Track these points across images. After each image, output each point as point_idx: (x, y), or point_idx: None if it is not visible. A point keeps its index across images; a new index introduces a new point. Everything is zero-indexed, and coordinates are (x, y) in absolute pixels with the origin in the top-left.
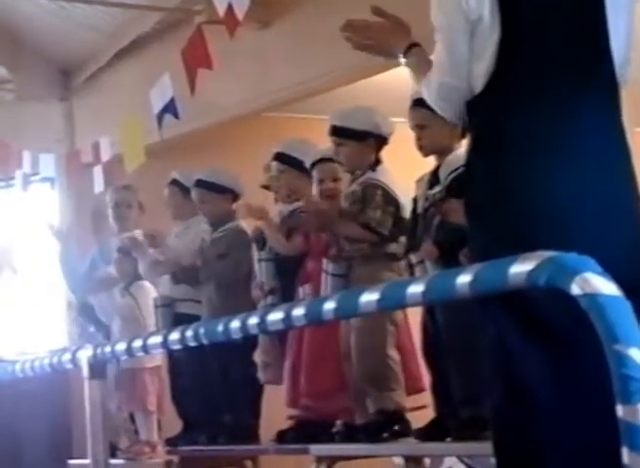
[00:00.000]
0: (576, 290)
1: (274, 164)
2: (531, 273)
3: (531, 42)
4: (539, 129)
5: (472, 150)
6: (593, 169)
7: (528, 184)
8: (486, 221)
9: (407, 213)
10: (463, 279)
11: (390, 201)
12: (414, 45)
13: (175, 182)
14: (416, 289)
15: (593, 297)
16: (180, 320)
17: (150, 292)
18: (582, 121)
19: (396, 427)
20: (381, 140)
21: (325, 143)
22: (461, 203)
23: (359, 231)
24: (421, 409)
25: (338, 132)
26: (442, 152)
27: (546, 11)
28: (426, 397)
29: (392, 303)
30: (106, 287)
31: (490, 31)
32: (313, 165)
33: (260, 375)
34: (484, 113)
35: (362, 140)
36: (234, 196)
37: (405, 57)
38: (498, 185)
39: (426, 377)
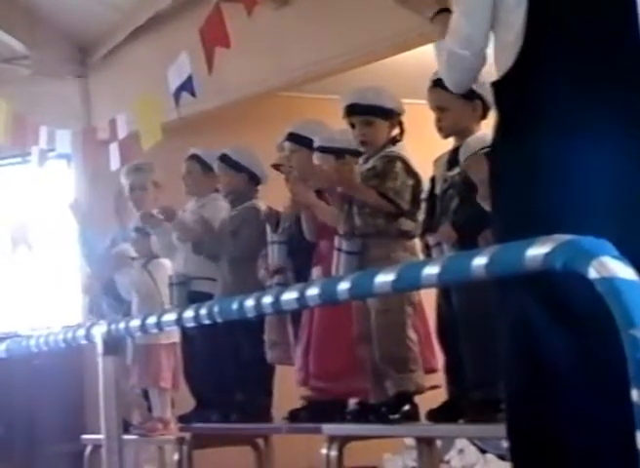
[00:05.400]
0: (593, 273)
1: (286, 144)
2: (547, 256)
3: (559, 16)
4: (568, 107)
5: (498, 129)
6: (623, 152)
7: (554, 165)
8: (510, 200)
9: (425, 190)
10: (479, 261)
11: (410, 174)
12: (445, 10)
13: (195, 158)
14: (431, 270)
15: (610, 281)
16: (194, 298)
17: (168, 269)
18: (613, 101)
19: (406, 407)
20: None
21: (340, 124)
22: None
23: (377, 199)
24: (434, 390)
25: (366, 110)
26: (462, 134)
27: None
28: (438, 378)
29: (407, 284)
30: (122, 264)
31: (516, 4)
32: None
33: (268, 355)
34: (511, 91)
35: (389, 118)
36: (250, 176)
37: (433, 20)
38: (523, 165)
39: (439, 359)
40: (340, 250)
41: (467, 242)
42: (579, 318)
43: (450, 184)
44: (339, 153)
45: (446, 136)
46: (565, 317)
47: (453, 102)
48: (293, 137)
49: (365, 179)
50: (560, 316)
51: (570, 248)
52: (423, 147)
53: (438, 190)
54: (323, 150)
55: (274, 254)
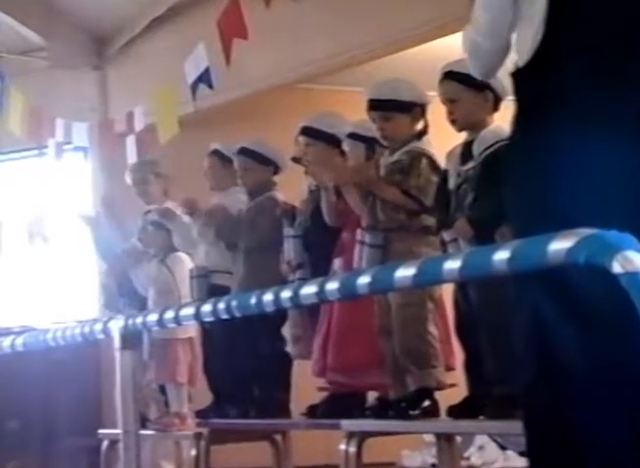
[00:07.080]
0: (616, 267)
1: (301, 138)
2: (570, 250)
3: (579, 9)
4: (585, 100)
5: (517, 120)
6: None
7: (572, 157)
8: (527, 192)
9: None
10: (501, 255)
11: (435, 170)
12: None
13: (215, 152)
14: (452, 265)
15: (634, 276)
16: (214, 291)
17: (186, 263)
18: (630, 94)
19: (426, 403)
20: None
21: (358, 116)
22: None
23: (398, 196)
24: (452, 387)
25: (382, 105)
26: (475, 126)
27: None
28: (456, 375)
29: (428, 279)
30: (137, 259)
31: None
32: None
33: (291, 350)
34: (530, 83)
35: (409, 112)
36: (275, 168)
37: None
38: (541, 156)
39: (458, 355)
40: (362, 242)
41: (484, 237)
42: (591, 313)
43: (464, 179)
44: (370, 142)
45: (460, 130)
46: (577, 312)
47: (463, 94)
48: (307, 131)
49: (389, 173)
50: (572, 311)
51: (593, 242)
52: (443, 139)
53: (452, 185)
54: (355, 137)
55: (290, 248)
